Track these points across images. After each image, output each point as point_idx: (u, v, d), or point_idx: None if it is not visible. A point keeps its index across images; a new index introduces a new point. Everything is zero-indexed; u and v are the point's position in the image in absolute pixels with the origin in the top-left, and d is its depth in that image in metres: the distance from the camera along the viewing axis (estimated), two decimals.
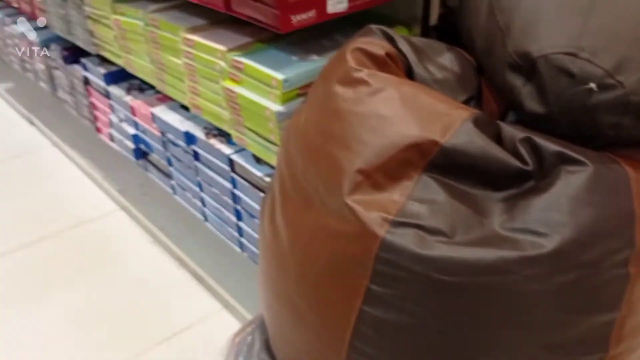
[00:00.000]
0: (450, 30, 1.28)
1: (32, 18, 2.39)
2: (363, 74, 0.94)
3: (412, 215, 0.84)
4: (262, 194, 1.40)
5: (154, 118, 1.69)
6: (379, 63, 0.98)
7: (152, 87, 1.90)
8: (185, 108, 1.66)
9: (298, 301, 0.98)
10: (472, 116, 0.88)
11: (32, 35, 2.41)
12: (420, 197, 0.86)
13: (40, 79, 2.55)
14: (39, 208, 2.37)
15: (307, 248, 0.95)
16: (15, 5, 2.44)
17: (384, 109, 0.90)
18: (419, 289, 0.84)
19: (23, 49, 2.56)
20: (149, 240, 2.17)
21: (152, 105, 1.77)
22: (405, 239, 0.83)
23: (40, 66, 2.45)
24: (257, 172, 1.39)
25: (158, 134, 1.73)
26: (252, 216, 1.47)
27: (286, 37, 1.31)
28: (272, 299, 1.07)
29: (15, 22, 2.57)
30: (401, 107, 0.90)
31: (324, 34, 1.36)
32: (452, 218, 0.84)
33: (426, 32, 1.38)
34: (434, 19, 1.37)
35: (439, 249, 0.81)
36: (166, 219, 2.17)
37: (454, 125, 0.87)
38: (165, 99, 1.80)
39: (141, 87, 1.92)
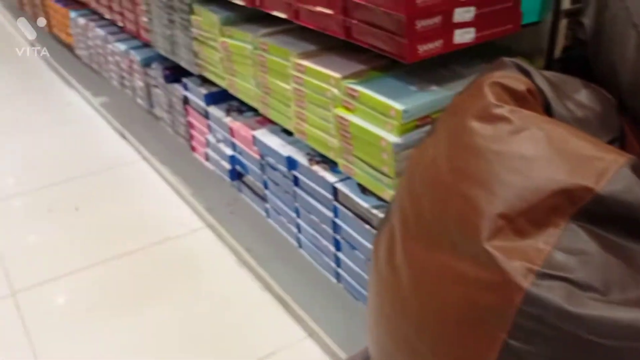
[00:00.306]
0: (576, 64, 1.21)
1: (135, 37, 2.48)
2: (504, 110, 0.88)
3: (559, 266, 0.77)
4: (366, 226, 1.36)
5: (255, 141, 1.69)
6: (518, 99, 0.93)
7: (251, 109, 1.91)
8: (286, 132, 1.65)
9: (419, 346, 0.92)
10: (629, 162, 0.81)
11: (134, 54, 2.50)
12: (568, 247, 0.79)
13: (138, 95, 2.63)
14: (127, 221, 2.42)
15: (433, 291, 0.90)
16: (120, 24, 2.53)
17: (529, 150, 0.84)
18: (565, 349, 0.76)
19: (123, 66, 2.65)
20: (235, 261, 2.16)
21: (252, 127, 1.77)
22: (553, 293, 0.76)
23: (140, 83, 2.52)
24: (363, 202, 1.35)
25: (257, 156, 1.73)
26: (352, 247, 1.43)
27: (402, 66, 1.28)
28: (386, 340, 1.01)
29: (118, 40, 2.67)
30: (547, 148, 0.84)
31: (441, 63, 1.31)
32: (605, 273, 0.77)
33: (550, 65, 1.31)
34: (558, 51, 1.30)
35: (593, 308, 0.74)
36: (253, 240, 2.16)
37: (609, 171, 0.80)
38: (265, 122, 1.80)
39: (240, 108, 1.93)
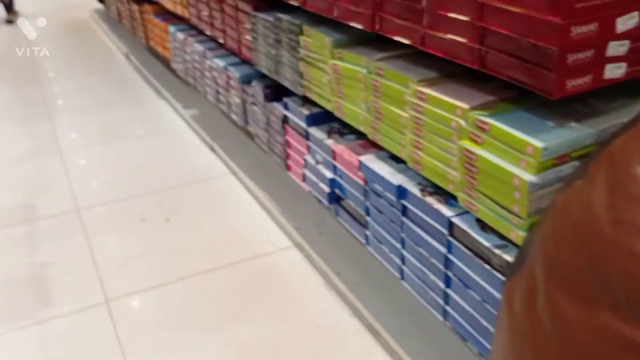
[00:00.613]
0: None
1: (234, 54, 2.51)
2: None
3: None
4: (485, 265, 1.28)
5: (361, 166, 1.64)
6: None
7: (353, 132, 1.88)
8: (394, 159, 1.60)
9: None
10: None
11: (232, 70, 2.52)
12: None
13: (233, 111, 2.66)
14: (216, 235, 2.42)
15: (587, 353, 0.81)
16: (220, 41, 2.57)
17: None
18: None
19: (220, 82, 2.69)
20: (322, 283, 2.12)
21: (356, 151, 1.73)
22: None
23: (236, 100, 2.55)
24: (483, 240, 1.27)
25: (360, 182, 1.68)
26: (466, 286, 1.36)
27: (534, 98, 1.20)
28: None
29: (216, 56, 2.72)
30: None
31: (576, 97, 1.23)
32: None
33: None
34: None
35: None
36: (344, 264, 2.11)
37: None
38: (368, 146, 1.76)
39: (342, 131, 1.90)
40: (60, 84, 4.31)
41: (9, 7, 6.35)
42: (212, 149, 3.14)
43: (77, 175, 2.92)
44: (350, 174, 1.74)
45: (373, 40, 1.67)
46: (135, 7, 4.03)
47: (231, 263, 2.24)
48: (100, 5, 5.96)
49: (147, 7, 3.77)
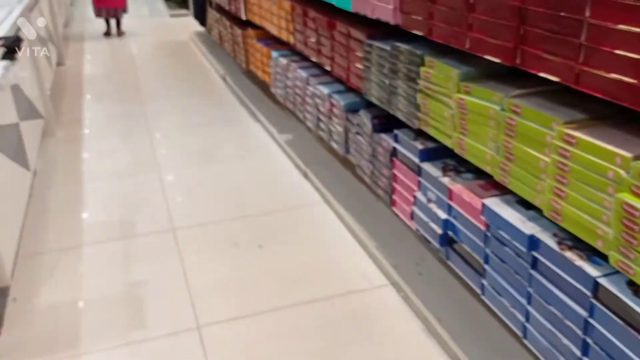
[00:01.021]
0: None
1: (342, 82, 2.45)
2: None
3: None
4: (639, 336, 1.11)
5: (485, 210, 1.51)
6: None
7: (470, 170, 1.75)
8: (523, 204, 1.46)
9: None
10: None
11: (337, 98, 2.46)
12: None
13: (333, 139, 2.59)
14: (309, 266, 2.35)
15: None
16: (327, 67, 2.52)
17: None
18: None
19: (322, 109, 2.63)
20: (421, 328, 1.99)
21: (476, 192, 1.60)
22: None
23: (338, 128, 2.48)
24: (637, 308, 1.11)
25: (481, 226, 1.55)
26: (609, 357, 1.18)
27: None
28: None
29: (320, 83, 2.67)
30: None
31: None
32: None
33: None
34: None
35: None
36: (446, 309, 1.97)
37: None
38: (489, 187, 1.62)
39: (458, 169, 1.78)
40: (160, 102, 4.44)
41: (118, 25, 6.75)
42: (306, 176, 3.09)
43: (173, 193, 2.94)
44: (469, 217, 1.60)
45: (503, 74, 1.54)
46: (238, 31, 4.10)
47: (324, 297, 2.15)
48: (200, 28, 6.16)
49: (251, 32, 3.81)
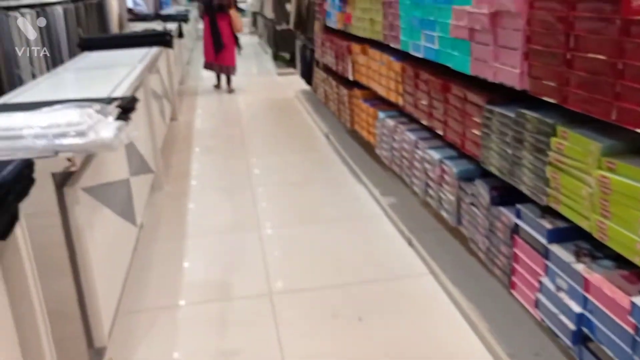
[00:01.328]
0: None
1: (455, 148, 2.29)
2: None
3: None
4: None
5: (635, 310, 1.27)
6: None
7: (609, 256, 1.52)
8: None
9: None
10: None
11: (449, 164, 2.30)
12: None
13: (443, 208, 2.41)
14: (411, 345, 2.14)
15: None
16: (439, 132, 2.37)
17: None
18: None
19: (432, 175, 2.47)
20: None
21: (621, 286, 1.36)
22: None
23: (450, 197, 2.30)
24: None
25: (629, 328, 1.30)
26: None
27: None
28: None
29: (430, 147, 2.52)
30: None
31: None
32: None
33: None
34: None
35: None
36: None
37: None
38: (635, 279, 1.38)
39: (594, 254, 1.54)
40: (263, 157, 4.47)
41: (229, 82, 7.05)
42: (410, 243, 2.91)
43: (272, 255, 2.86)
44: (612, 315, 1.36)
45: None
46: (344, 91, 4.07)
47: None
48: (306, 87, 6.25)
49: (357, 92, 3.76)
